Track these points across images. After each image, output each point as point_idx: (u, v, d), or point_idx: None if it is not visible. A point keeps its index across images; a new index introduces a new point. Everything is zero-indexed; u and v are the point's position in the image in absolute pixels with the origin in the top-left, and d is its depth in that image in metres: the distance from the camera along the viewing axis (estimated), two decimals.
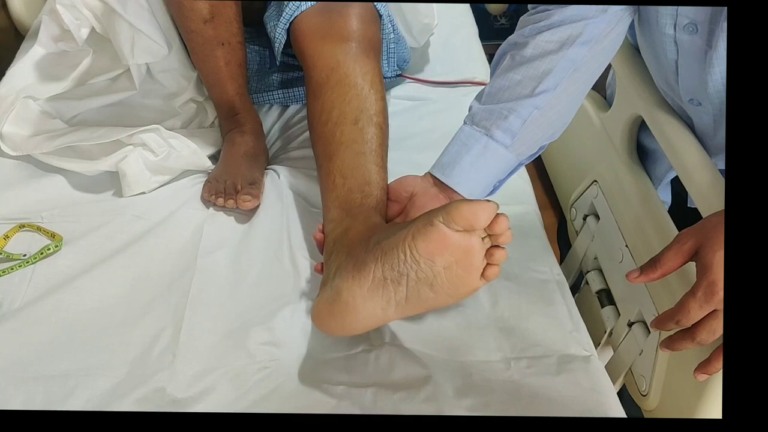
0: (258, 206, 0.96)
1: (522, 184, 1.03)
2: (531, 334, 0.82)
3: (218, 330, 0.81)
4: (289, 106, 1.16)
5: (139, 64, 1.06)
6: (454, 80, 1.19)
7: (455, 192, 0.79)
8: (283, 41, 1.00)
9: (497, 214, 0.65)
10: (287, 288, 0.86)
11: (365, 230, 0.76)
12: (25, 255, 0.90)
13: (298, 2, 0.97)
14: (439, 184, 0.80)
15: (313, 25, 0.95)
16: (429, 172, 0.81)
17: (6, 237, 0.92)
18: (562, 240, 1.27)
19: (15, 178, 1.01)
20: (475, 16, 1.40)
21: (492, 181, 0.81)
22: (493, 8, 1.57)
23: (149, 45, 1.03)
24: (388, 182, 0.85)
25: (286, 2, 0.98)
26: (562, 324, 0.83)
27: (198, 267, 0.88)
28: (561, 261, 1.15)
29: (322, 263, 0.79)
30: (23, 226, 0.93)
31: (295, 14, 0.97)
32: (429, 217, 0.66)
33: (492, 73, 0.82)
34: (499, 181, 0.82)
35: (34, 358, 0.78)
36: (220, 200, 0.95)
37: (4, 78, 1.14)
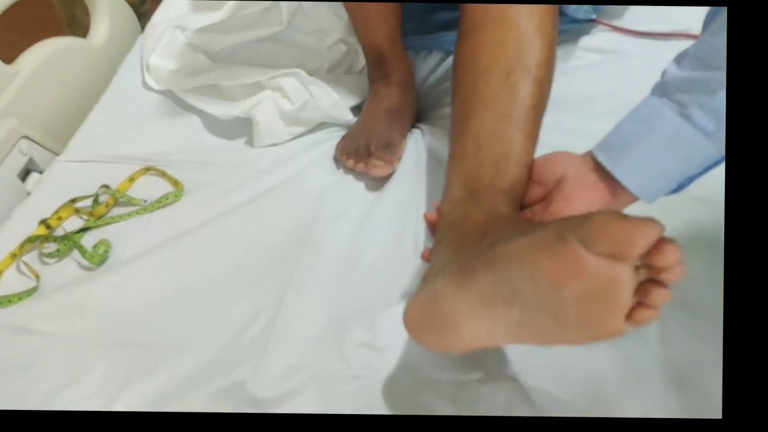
0: (391, 174, 0.82)
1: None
2: (712, 394, 0.61)
3: (319, 318, 0.70)
4: (452, 52, 0.98)
5: None
6: (664, 31, 0.93)
7: (621, 185, 0.57)
8: None
9: (662, 239, 0.45)
10: (403, 280, 0.72)
11: (485, 222, 0.58)
12: (145, 201, 0.85)
13: None
14: (600, 170, 0.58)
15: None
16: (590, 152, 0.61)
17: (131, 179, 0.87)
18: None
19: (153, 115, 0.97)
20: None
21: (677, 177, 0.57)
22: None
23: None
24: (537, 156, 0.65)
25: None
26: None
27: (313, 238, 0.77)
28: None
29: (431, 249, 0.63)
30: (150, 169, 0.88)
31: None
32: (561, 228, 0.47)
33: (704, 28, 0.58)
34: (689, 177, 0.59)
35: (126, 321, 0.72)
36: (350, 162, 0.83)
37: (162, 3, 1.09)
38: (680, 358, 0.64)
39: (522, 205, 0.63)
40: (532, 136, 0.65)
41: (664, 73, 0.59)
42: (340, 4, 0.97)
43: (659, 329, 0.65)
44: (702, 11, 0.97)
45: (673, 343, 0.64)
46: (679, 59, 0.57)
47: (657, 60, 0.90)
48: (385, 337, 0.67)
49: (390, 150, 0.82)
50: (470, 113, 0.66)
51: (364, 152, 0.82)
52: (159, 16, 1.07)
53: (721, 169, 0.60)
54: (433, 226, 0.65)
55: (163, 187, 0.87)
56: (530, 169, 0.64)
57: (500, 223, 0.57)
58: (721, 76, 0.53)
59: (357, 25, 0.90)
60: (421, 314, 0.56)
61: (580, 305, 0.47)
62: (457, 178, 0.64)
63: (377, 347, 0.66)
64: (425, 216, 0.66)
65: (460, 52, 0.72)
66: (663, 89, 0.57)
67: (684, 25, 0.93)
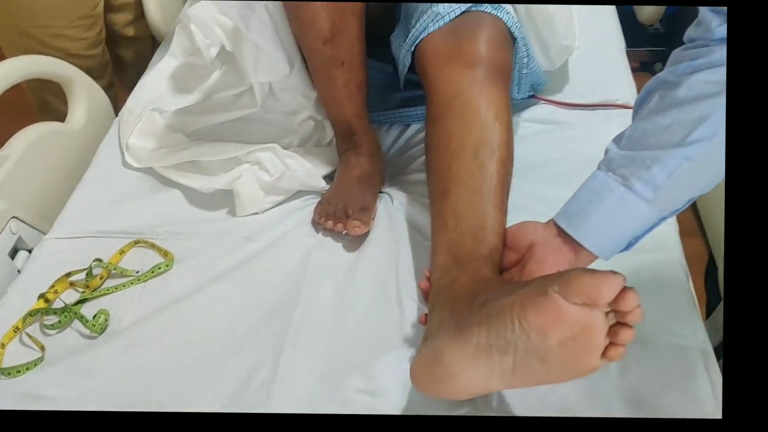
0: (368, 233, 0.91)
1: (663, 225, 0.90)
2: (663, 413, 0.71)
3: (317, 368, 0.77)
4: (410, 125, 1.10)
5: (262, 82, 1.04)
6: (595, 102, 1.07)
7: (581, 246, 0.69)
8: (408, 63, 0.94)
9: (625, 288, 0.56)
10: (391, 331, 0.80)
11: (472, 284, 0.68)
12: (137, 272, 0.90)
13: (426, 23, 0.90)
14: (563, 235, 0.70)
15: (438, 47, 0.88)
16: (553, 220, 0.72)
17: (122, 252, 0.93)
18: (710, 283, 1.12)
19: (135, 192, 1.02)
20: (623, 23, 1.27)
21: (626, 237, 0.70)
22: (646, 17, 1.42)
23: (271, 63, 1.01)
24: (508, 225, 0.77)
25: (415, 20, 0.92)
26: (701, 404, 0.71)
27: (302, 296, 0.85)
28: (708, 312, 1.01)
29: (426, 314, 0.72)
30: (139, 242, 0.94)
31: (422, 36, 0.90)
32: (543, 284, 0.58)
33: (635, 113, 0.71)
34: (636, 237, 0.71)
35: (132, 384, 0.77)
36: (330, 223, 0.91)
37: (135, 89, 1.16)
38: (636, 383, 0.74)
39: (500, 270, 0.73)
40: (502, 209, 0.78)
41: (606, 151, 0.71)
42: (308, 86, 1.07)
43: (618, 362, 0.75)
44: (624, 88, 1.12)
45: (629, 372, 0.74)
46: (618, 140, 0.70)
47: (592, 127, 1.05)
48: (381, 382, 0.74)
49: (365, 212, 0.91)
50: (447, 191, 0.78)
51: (342, 214, 0.91)
52: (134, 101, 1.14)
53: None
54: (425, 293, 0.74)
55: (153, 258, 0.92)
56: (503, 237, 0.75)
57: (487, 285, 0.68)
58: (654, 153, 0.65)
59: (327, 104, 0.99)
60: (425, 369, 0.65)
61: (564, 348, 0.58)
62: (442, 249, 0.76)
63: (373, 392, 0.74)
64: (419, 285, 0.76)
65: (431, 137, 0.84)
66: (608, 165, 0.69)
67: (610, 97, 1.08)
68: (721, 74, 0.61)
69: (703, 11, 0.63)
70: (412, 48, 0.92)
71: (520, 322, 0.58)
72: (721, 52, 0.61)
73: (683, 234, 0.92)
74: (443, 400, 0.72)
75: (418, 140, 1.07)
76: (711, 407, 0.71)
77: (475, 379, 0.62)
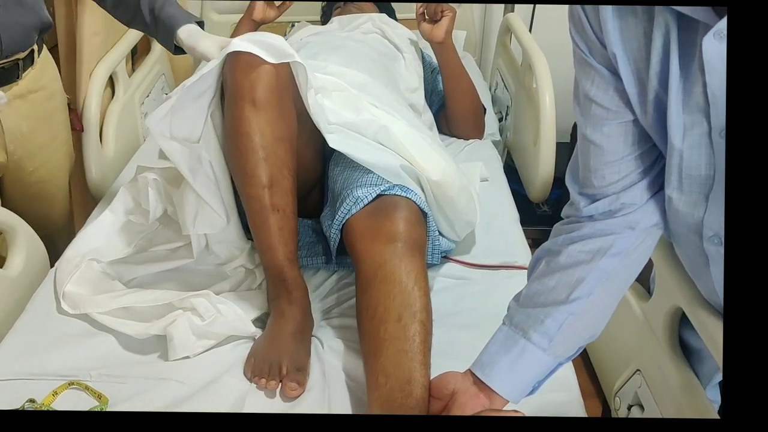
0: None
1: (564, 371, 1.01)
2: None
3: None
4: (335, 272, 1.21)
5: (199, 234, 1.14)
6: (496, 264, 1.23)
7: (494, 392, 0.80)
8: (338, 240, 1.08)
9: None
10: None
11: None
12: None
13: (349, 207, 1.05)
14: (479, 382, 0.81)
15: (363, 226, 1.03)
16: (470, 370, 0.83)
17: (55, 393, 0.94)
18: None
19: (69, 336, 1.05)
20: (517, 203, 1.47)
21: (531, 381, 0.82)
22: (535, 196, 1.65)
23: (211, 216, 1.11)
24: (431, 377, 0.88)
25: (339, 204, 1.08)
26: None
27: None
28: None
29: None
30: (72, 384, 0.96)
31: (347, 216, 1.05)
32: None
33: (528, 276, 0.86)
34: (539, 381, 0.83)
35: None
36: (263, 381, 0.96)
37: (73, 241, 1.22)
38: None
39: None
40: (425, 364, 0.90)
41: (509, 308, 0.85)
42: (242, 239, 1.17)
43: None
44: (520, 251, 1.28)
45: None
46: (517, 298, 0.85)
47: (494, 283, 1.20)
48: None
49: (302, 372, 0.97)
50: (377, 352, 0.91)
51: (276, 372, 0.96)
52: (71, 251, 1.19)
53: None
54: None
55: (87, 401, 0.94)
56: (428, 388, 0.87)
57: None
58: (545, 310, 0.79)
59: (262, 249, 1.07)
60: None
61: None
62: (376, 404, 0.87)
63: None
64: None
65: (360, 304, 0.98)
66: (510, 319, 0.83)
67: (509, 259, 1.24)
68: (591, 245, 0.78)
69: (573, 195, 0.81)
70: (341, 226, 1.07)
71: None
72: (589, 228, 0.78)
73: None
74: None
75: (342, 284, 1.18)
76: None
77: None
